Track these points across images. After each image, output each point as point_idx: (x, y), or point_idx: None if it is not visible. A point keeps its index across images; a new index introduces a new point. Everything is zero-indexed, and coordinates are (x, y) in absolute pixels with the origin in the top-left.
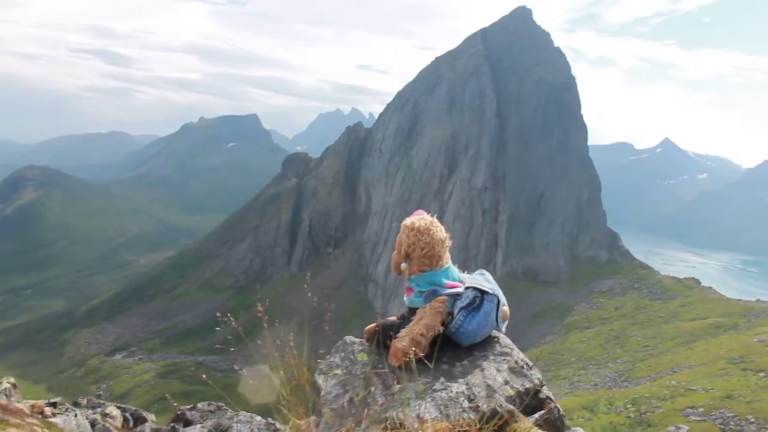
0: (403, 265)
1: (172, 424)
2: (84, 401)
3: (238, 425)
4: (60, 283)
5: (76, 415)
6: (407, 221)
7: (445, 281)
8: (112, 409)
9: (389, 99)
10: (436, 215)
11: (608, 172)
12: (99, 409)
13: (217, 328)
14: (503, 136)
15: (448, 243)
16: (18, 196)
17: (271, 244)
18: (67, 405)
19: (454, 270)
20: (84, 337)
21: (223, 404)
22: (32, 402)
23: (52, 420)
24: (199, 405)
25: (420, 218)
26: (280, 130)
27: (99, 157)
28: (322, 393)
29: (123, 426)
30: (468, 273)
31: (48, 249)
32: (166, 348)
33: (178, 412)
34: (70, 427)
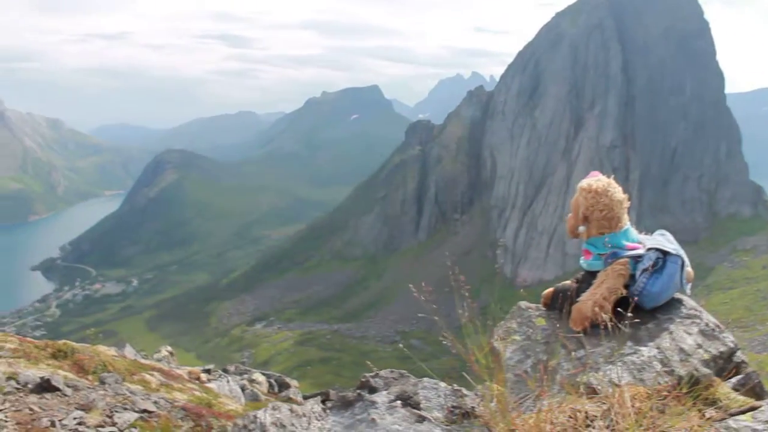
0: (581, 228)
1: (357, 391)
2: (232, 368)
3: (424, 391)
4: (201, 258)
5: (228, 381)
6: (584, 183)
7: (625, 243)
8: (258, 376)
9: (510, 60)
10: (606, 176)
11: (749, 121)
12: (246, 376)
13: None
14: (631, 90)
15: (627, 204)
16: (160, 179)
17: (398, 213)
18: (220, 371)
19: (633, 231)
20: (226, 309)
21: (405, 371)
22: (189, 368)
23: (208, 385)
24: (382, 372)
25: (596, 179)
26: (402, 99)
27: (229, 137)
28: (504, 359)
29: (268, 391)
30: (646, 234)
31: (188, 227)
32: (303, 317)
33: (363, 379)
34: (224, 392)
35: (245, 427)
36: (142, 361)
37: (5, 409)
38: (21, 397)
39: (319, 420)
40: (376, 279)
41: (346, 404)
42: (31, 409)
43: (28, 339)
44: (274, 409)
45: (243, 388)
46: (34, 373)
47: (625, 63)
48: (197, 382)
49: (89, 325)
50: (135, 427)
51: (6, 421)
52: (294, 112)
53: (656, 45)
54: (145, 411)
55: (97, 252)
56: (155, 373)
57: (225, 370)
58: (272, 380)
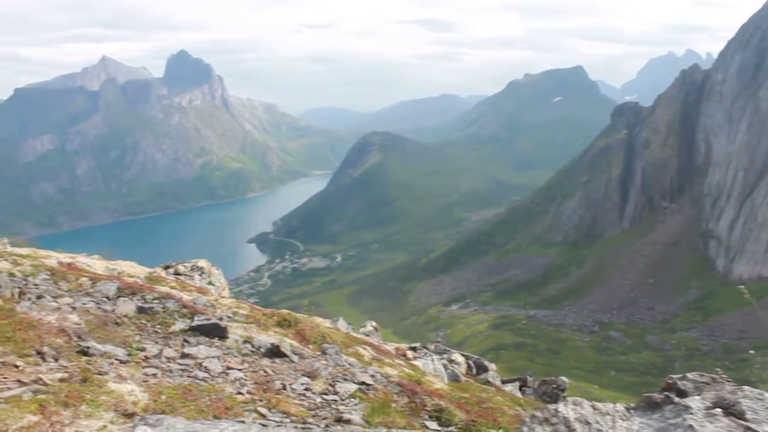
0: None
1: (665, 393)
2: (432, 347)
3: (746, 401)
4: (401, 238)
5: (433, 360)
6: None
7: None
8: (457, 356)
9: (730, 35)
10: None
11: None
12: (445, 355)
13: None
14: None
15: None
16: (365, 159)
17: (601, 199)
18: (425, 350)
19: None
20: (423, 288)
21: (718, 376)
22: (396, 345)
23: (414, 362)
24: (690, 375)
25: None
26: (608, 80)
27: (432, 120)
28: None
29: (467, 372)
30: None
31: (390, 207)
32: (499, 300)
33: (669, 381)
34: (429, 370)
35: (546, 420)
36: (354, 334)
37: (244, 369)
38: (256, 359)
39: (623, 420)
40: (576, 266)
41: (651, 406)
42: (265, 372)
43: (257, 307)
44: (575, 404)
45: (444, 368)
46: (265, 338)
47: None
48: (404, 358)
49: (296, 296)
50: (355, 398)
51: (246, 380)
52: (496, 94)
53: None
54: (363, 383)
55: (305, 228)
56: (367, 347)
57: (426, 349)
58: (471, 362)
